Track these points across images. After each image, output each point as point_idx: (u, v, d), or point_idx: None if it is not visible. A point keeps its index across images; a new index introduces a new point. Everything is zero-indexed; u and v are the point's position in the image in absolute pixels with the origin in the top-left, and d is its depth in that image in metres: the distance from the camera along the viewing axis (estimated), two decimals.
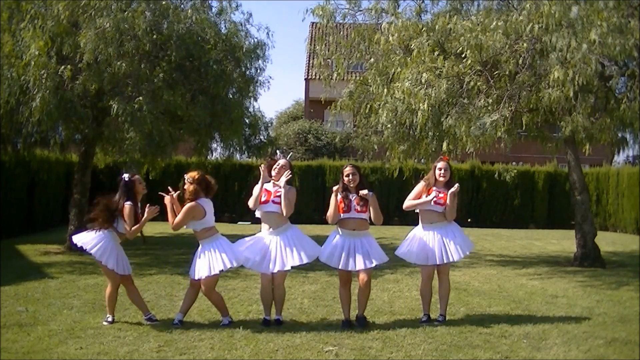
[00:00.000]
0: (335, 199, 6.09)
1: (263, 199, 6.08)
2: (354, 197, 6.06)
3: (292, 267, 6.03)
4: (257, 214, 6.20)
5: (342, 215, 6.07)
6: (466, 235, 6.53)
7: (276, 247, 6.01)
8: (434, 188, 6.34)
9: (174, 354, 5.03)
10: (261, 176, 6.19)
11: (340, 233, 6.11)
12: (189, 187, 5.98)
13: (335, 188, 6.15)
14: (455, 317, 6.49)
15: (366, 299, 6.15)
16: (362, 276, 5.99)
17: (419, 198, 6.37)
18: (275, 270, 6.00)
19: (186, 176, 6.08)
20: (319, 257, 6.19)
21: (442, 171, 6.32)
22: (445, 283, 6.38)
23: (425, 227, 6.38)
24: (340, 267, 6.05)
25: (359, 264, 5.96)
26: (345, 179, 6.08)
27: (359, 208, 6.04)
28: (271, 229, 6.10)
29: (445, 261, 6.25)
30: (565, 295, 7.89)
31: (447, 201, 6.28)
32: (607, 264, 10.82)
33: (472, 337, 5.65)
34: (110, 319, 6.04)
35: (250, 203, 6.15)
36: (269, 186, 6.15)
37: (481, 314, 6.67)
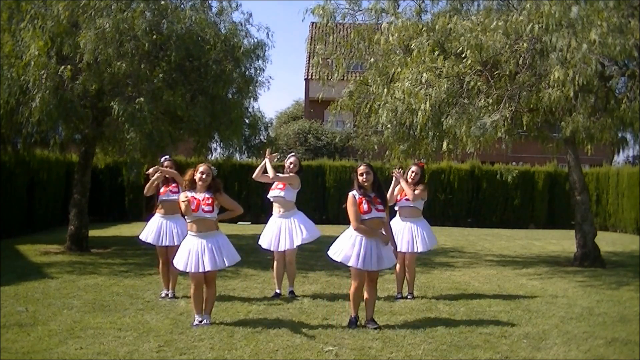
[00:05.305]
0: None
1: (279, 186, 7.38)
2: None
3: (298, 246, 7.34)
4: (270, 197, 7.49)
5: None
6: (432, 232, 7.66)
7: (285, 228, 7.30)
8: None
9: (174, 354, 5.03)
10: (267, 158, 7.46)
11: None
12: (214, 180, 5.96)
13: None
14: (455, 317, 6.49)
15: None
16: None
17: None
18: (284, 249, 7.29)
19: (212, 167, 6.01)
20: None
21: (413, 174, 7.46)
22: (412, 269, 7.56)
23: (402, 219, 7.49)
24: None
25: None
26: (360, 177, 5.90)
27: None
28: (282, 211, 7.38)
29: (410, 250, 7.36)
30: (565, 295, 7.88)
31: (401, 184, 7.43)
32: (607, 264, 10.81)
33: (472, 337, 5.65)
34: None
35: (255, 173, 7.46)
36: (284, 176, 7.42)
37: (481, 314, 6.67)
